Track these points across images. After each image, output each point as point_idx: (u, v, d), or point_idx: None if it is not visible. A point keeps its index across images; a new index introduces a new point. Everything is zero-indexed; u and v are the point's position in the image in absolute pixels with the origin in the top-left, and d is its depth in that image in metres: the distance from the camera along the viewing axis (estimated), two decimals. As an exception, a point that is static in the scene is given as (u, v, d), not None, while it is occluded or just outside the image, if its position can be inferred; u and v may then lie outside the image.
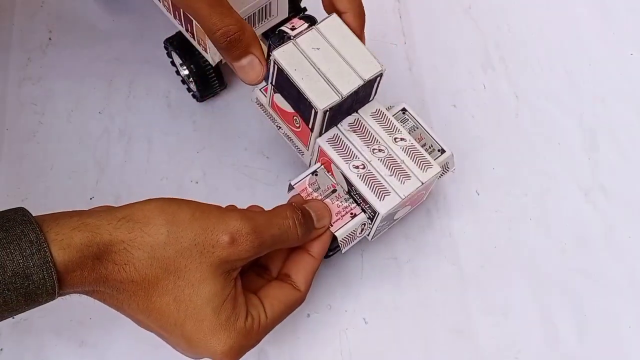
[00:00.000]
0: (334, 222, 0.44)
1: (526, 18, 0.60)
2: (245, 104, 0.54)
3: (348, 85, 0.42)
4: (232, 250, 0.37)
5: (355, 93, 0.43)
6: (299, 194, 0.45)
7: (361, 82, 0.42)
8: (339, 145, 0.44)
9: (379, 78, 0.43)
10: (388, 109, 0.47)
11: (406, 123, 0.47)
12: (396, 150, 0.44)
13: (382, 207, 0.43)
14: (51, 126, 0.53)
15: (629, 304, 0.50)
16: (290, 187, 0.46)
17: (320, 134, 0.45)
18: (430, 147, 0.47)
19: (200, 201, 0.39)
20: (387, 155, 0.44)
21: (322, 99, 0.42)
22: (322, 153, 0.45)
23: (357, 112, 0.45)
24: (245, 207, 0.52)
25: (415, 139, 0.45)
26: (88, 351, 0.47)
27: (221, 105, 0.54)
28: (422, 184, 0.43)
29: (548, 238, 0.51)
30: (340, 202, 0.45)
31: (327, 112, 0.42)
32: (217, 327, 0.37)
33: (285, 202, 0.43)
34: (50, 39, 0.56)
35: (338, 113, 0.44)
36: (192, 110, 0.54)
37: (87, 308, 0.48)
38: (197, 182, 0.52)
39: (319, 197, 0.45)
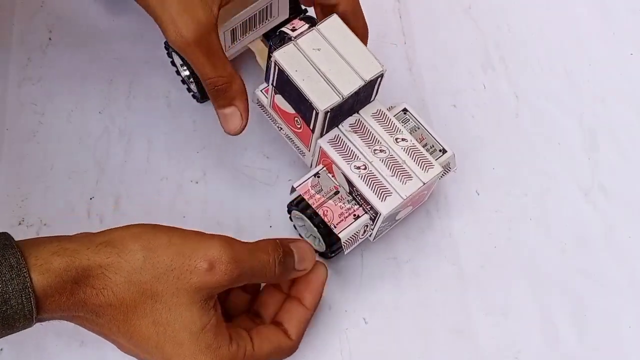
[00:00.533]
0: (337, 224, 0.44)
1: (526, 18, 0.60)
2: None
3: (349, 86, 0.42)
4: (209, 277, 0.37)
5: (356, 94, 0.43)
6: (282, 239, 0.43)
7: (362, 83, 0.42)
8: (340, 146, 0.44)
9: (379, 78, 0.43)
10: (389, 109, 0.47)
11: (407, 123, 0.47)
12: (397, 150, 0.44)
13: (384, 207, 0.43)
14: (51, 126, 0.53)
15: (629, 304, 0.50)
16: (293, 190, 0.46)
17: (322, 135, 0.45)
18: (431, 147, 0.47)
19: (182, 227, 0.39)
20: (389, 156, 0.44)
21: (323, 100, 0.42)
22: (323, 154, 0.45)
23: (358, 112, 0.45)
24: (245, 209, 0.52)
25: (416, 139, 0.45)
26: (88, 351, 0.47)
27: (221, 105, 0.54)
28: (424, 184, 0.43)
29: (548, 238, 0.51)
30: (343, 203, 0.45)
31: (328, 113, 0.42)
32: (197, 353, 0.38)
33: (270, 238, 0.42)
34: (50, 39, 0.56)
35: (339, 114, 0.44)
36: (192, 110, 0.54)
37: (87, 308, 0.48)
38: (197, 182, 0.52)
39: (322, 199, 0.45)
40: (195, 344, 0.37)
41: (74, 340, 0.47)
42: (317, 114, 0.42)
